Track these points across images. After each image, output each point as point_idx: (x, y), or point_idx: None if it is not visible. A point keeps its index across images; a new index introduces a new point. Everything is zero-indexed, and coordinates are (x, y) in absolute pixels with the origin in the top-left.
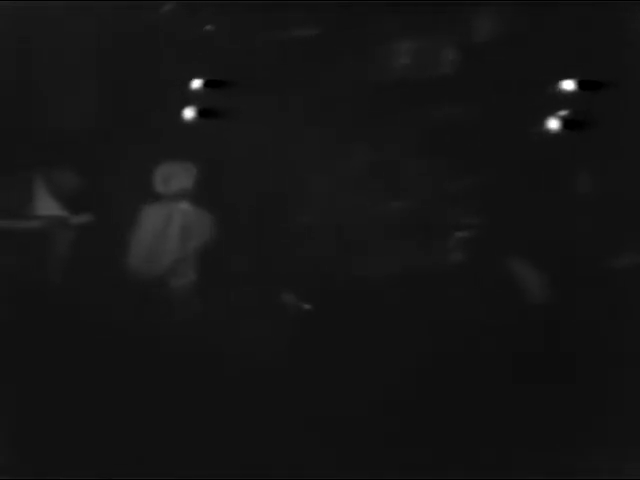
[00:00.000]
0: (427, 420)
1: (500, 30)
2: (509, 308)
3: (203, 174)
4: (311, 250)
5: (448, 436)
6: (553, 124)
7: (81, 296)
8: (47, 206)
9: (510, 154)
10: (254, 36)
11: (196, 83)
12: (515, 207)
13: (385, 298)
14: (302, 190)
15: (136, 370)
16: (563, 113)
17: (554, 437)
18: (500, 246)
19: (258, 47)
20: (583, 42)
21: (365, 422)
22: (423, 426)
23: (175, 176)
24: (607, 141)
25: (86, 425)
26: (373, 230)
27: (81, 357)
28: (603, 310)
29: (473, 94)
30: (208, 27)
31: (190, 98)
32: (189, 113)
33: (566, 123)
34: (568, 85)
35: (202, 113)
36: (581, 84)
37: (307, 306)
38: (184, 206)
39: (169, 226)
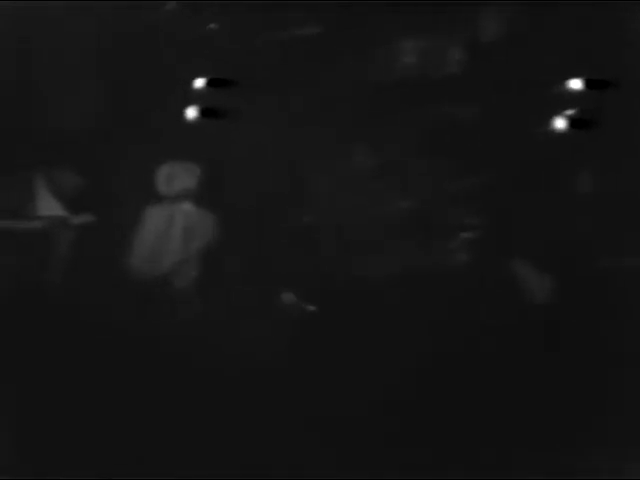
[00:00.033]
0: (427, 420)
1: (506, 30)
2: (511, 308)
3: (206, 174)
4: (314, 250)
5: (448, 436)
6: (560, 123)
7: (82, 296)
8: (48, 206)
9: (517, 154)
10: (257, 36)
11: (199, 82)
12: (521, 207)
13: (387, 298)
14: (305, 190)
15: (136, 370)
16: (570, 112)
17: (554, 437)
18: (506, 247)
19: (261, 47)
20: (590, 41)
21: (365, 422)
22: (423, 426)
23: (177, 176)
24: (614, 140)
25: (86, 425)
26: (376, 230)
27: (81, 357)
28: (604, 310)
29: (479, 94)
30: (211, 26)
31: (192, 98)
32: (191, 113)
33: (573, 122)
34: (575, 84)
35: (205, 113)
36: (588, 83)
37: (311, 307)
38: (186, 206)
39: (171, 226)
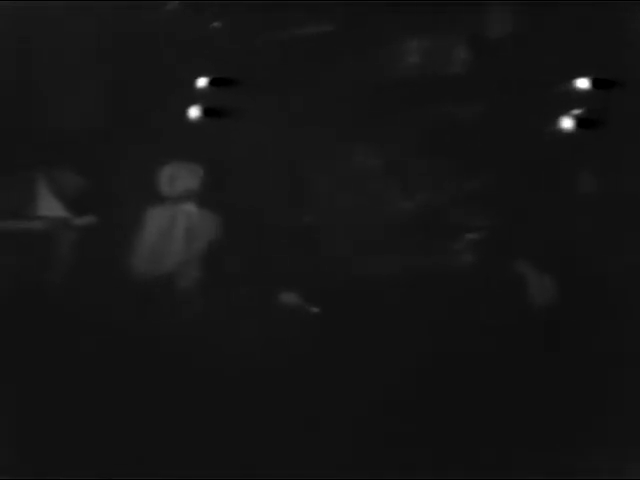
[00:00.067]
0: (427, 420)
1: (512, 28)
2: (513, 309)
3: (208, 175)
4: (317, 251)
5: (448, 436)
6: (567, 123)
7: (83, 297)
8: (50, 207)
9: (522, 154)
10: (259, 35)
11: (201, 82)
12: (528, 208)
13: (390, 299)
14: (308, 191)
15: (137, 371)
16: (577, 112)
17: (554, 437)
18: (512, 248)
19: (264, 46)
20: (597, 40)
21: (365, 422)
22: (423, 426)
23: (180, 177)
24: (622, 140)
25: (86, 425)
26: (380, 231)
27: (81, 357)
28: (605, 310)
29: (484, 93)
30: (214, 24)
31: (195, 97)
32: (194, 112)
33: (580, 122)
34: (582, 83)
35: (207, 112)
36: (595, 82)
37: (314, 309)
38: (189, 207)
39: (174, 227)
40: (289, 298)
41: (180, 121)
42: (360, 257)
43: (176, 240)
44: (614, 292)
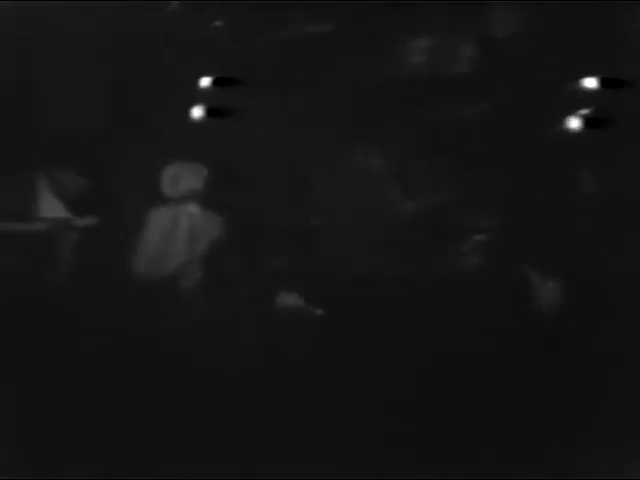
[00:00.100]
0: (427, 420)
1: (518, 27)
2: (516, 310)
3: (212, 175)
4: (321, 252)
5: (448, 436)
6: (574, 123)
7: (85, 298)
8: (51, 208)
9: (530, 154)
10: (263, 34)
11: (204, 82)
12: (535, 208)
13: (394, 301)
14: (313, 191)
15: (137, 371)
16: (584, 111)
17: (554, 437)
18: (520, 249)
19: (268, 45)
20: (604, 40)
21: (365, 422)
22: (423, 426)
23: (183, 177)
24: (630, 140)
25: (86, 425)
26: (385, 232)
27: (82, 358)
28: (606, 311)
29: (490, 93)
30: (217, 23)
31: (198, 97)
32: (197, 112)
33: (588, 122)
34: (590, 83)
35: (210, 112)
36: (603, 82)
37: (318, 311)
38: (192, 208)
39: (176, 228)
40: (291, 299)
41: (182, 121)
42: (363, 258)
43: (179, 241)
44: (618, 292)
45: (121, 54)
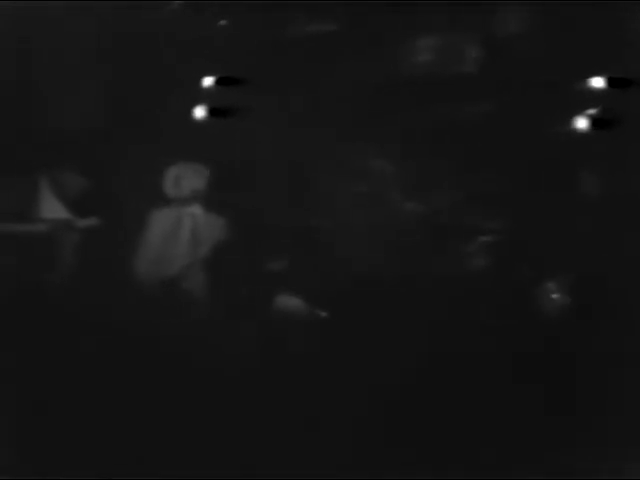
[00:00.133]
0: (427, 420)
1: (525, 27)
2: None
3: (214, 175)
4: (325, 253)
5: (448, 436)
6: (581, 123)
7: (85, 299)
8: (53, 209)
9: (536, 154)
10: (266, 34)
11: (206, 81)
12: (541, 209)
13: (398, 302)
14: (317, 192)
15: (137, 371)
16: (592, 111)
17: (554, 437)
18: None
19: (271, 45)
20: (612, 39)
21: (365, 422)
22: (423, 426)
23: (185, 178)
24: (637, 139)
25: (86, 425)
26: (391, 233)
27: (83, 358)
28: (606, 311)
29: (497, 93)
30: (221, 22)
31: (200, 97)
32: (199, 112)
33: (595, 122)
34: (597, 82)
35: (213, 112)
36: (610, 81)
37: (322, 313)
38: (194, 209)
39: (179, 229)
40: (292, 301)
41: (185, 121)
42: (365, 258)
43: (181, 242)
44: (621, 293)
45: (121, 54)
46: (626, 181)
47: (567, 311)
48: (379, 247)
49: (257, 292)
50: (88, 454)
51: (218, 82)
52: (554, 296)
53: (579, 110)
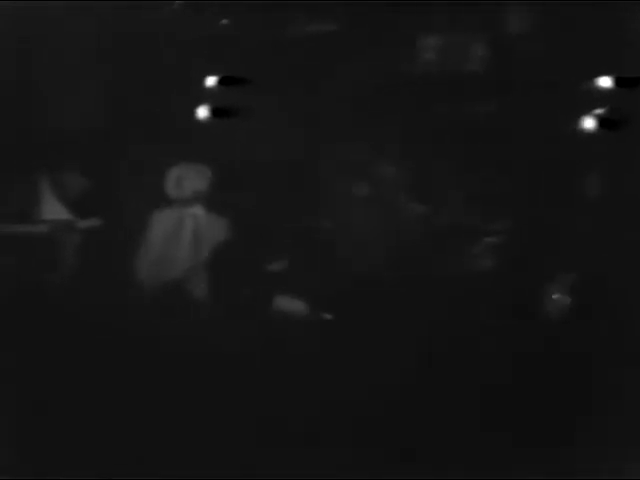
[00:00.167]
0: (427, 420)
1: (532, 26)
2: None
3: (217, 176)
4: (329, 254)
5: (448, 436)
6: (589, 123)
7: (86, 300)
8: (54, 210)
9: (543, 155)
10: (270, 33)
11: (209, 81)
12: (547, 210)
13: (402, 303)
14: (321, 193)
15: (137, 371)
16: (599, 111)
17: (554, 437)
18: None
19: (275, 44)
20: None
21: (365, 422)
22: (423, 426)
23: (187, 179)
24: None
25: (86, 425)
26: (396, 234)
27: (82, 358)
28: (608, 311)
29: (503, 92)
30: (223, 21)
31: (203, 97)
32: (202, 112)
33: (602, 122)
34: (604, 82)
35: (216, 112)
36: (618, 81)
37: (327, 316)
38: (196, 210)
39: (181, 231)
40: (294, 303)
41: (187, 121)
42: (368, 259)
43: (183, 244)
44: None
45: (122, 54)
46: (634, 182)
47: (568, 312)
48: (383, 248)
49: (259, 293)
50: (88, 454)
51: (221, 82)
52: (557, 297)
53: (586, 110)
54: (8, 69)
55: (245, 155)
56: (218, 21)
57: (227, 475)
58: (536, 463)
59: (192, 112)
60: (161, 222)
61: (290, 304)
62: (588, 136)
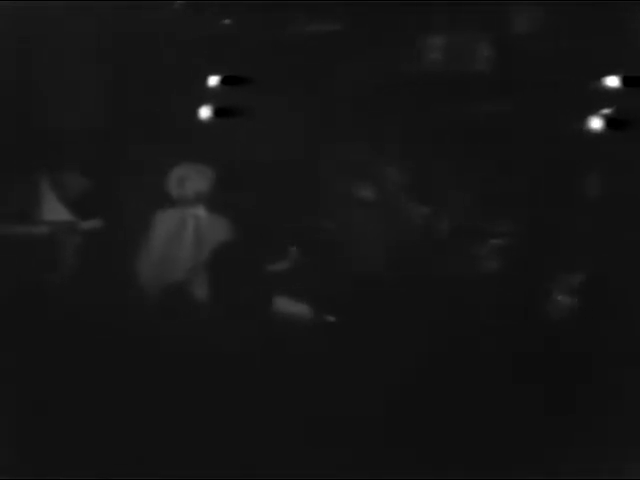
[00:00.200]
0: (427, 420)
1: (538, 26)
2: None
3: (219, 176)
4: (332, 255)
5: (448, 436)
6: (596, 123)
7: (86, 301)
8: (55, 211)
9: (550, 155)
10: (273, 33)
11: (212, 81)
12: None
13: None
14: (324, 193)
15: (137, 371)
16: (606, 112)
17: (554, 437)
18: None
19: (274, 44)
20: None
21: (365, 422)
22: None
23: (190, 179)
24: None
25: (86, 425)
26: (400, 235)
27: (82, 359)
28: (607, 312)
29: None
30: (226, 21)
31: (205, 97)
32: (205, 112)
33: (609, 122)
34: (612, 82)
35: (218, 112)
36: (625, 81)
37: (331, 318)
38: (198, 210)
39: (183, 231)
40: (300, 308)
41: (190, 122)
42: (371, 260)
43: (185, 245)
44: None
45: (124, 54)
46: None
47: (569, 312)
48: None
49: (260, 293)
50: (88, 454)
51: (223, 82)
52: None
53: (593, 110)
54: (8, 69)
55: (247, 155)
56: (219, 21)
57: (227, 475)
58: (536, 463)
59: (194, 112)
60: (163, 222)
61: (293, 306)
62: (595, 136)
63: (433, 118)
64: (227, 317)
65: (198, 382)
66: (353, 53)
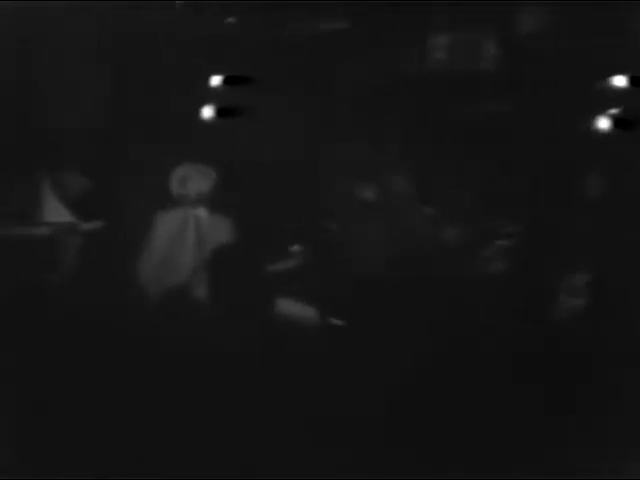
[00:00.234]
0: (427, 420)
1: (546, 25)
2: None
3: (220, 176)
4: (331, 255)
5: (448, 436)
6: (603, 123)
7: (87, 301)
8: (56, 212)
9: (556, 155)
10: (275, 32)
11: (214, 80)
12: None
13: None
14: (326, 193)
15: (137, 372)
16: (614, 111)
17: (554, 437)
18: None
19: (274, 44)
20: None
21: (365, 422)
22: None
23: (192, 179)
24: None
25: (86, 425)
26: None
27: (82, 359)
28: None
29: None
30: (229, 20)
31: (207, 97)
32: (207, 112)
33: (617, 122)
34: (619, 81)
35: (220, 112)
36: (633, 80)
37: (337, 321)
38: (200, 211)
39: (184, 231)
40: (305, 311)
41: (192, 122)
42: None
43: (187, 245)
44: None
45: (121, 54)
46: None
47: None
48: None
49: (262, 293)
50: (88, 454)
51: (225, 82)
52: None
53: (600, 110)
54: (8, 69)
55: (248, 155)
56: (220, 21)
57: (227, 475)
58: (536, 463)
59: (195, 112)
60: (165, 223)
61: (294, 307)
62: (603, 136)
63: (436, 118)
64: (228, 317)
65: (199, 382)
66: (354, 53)
